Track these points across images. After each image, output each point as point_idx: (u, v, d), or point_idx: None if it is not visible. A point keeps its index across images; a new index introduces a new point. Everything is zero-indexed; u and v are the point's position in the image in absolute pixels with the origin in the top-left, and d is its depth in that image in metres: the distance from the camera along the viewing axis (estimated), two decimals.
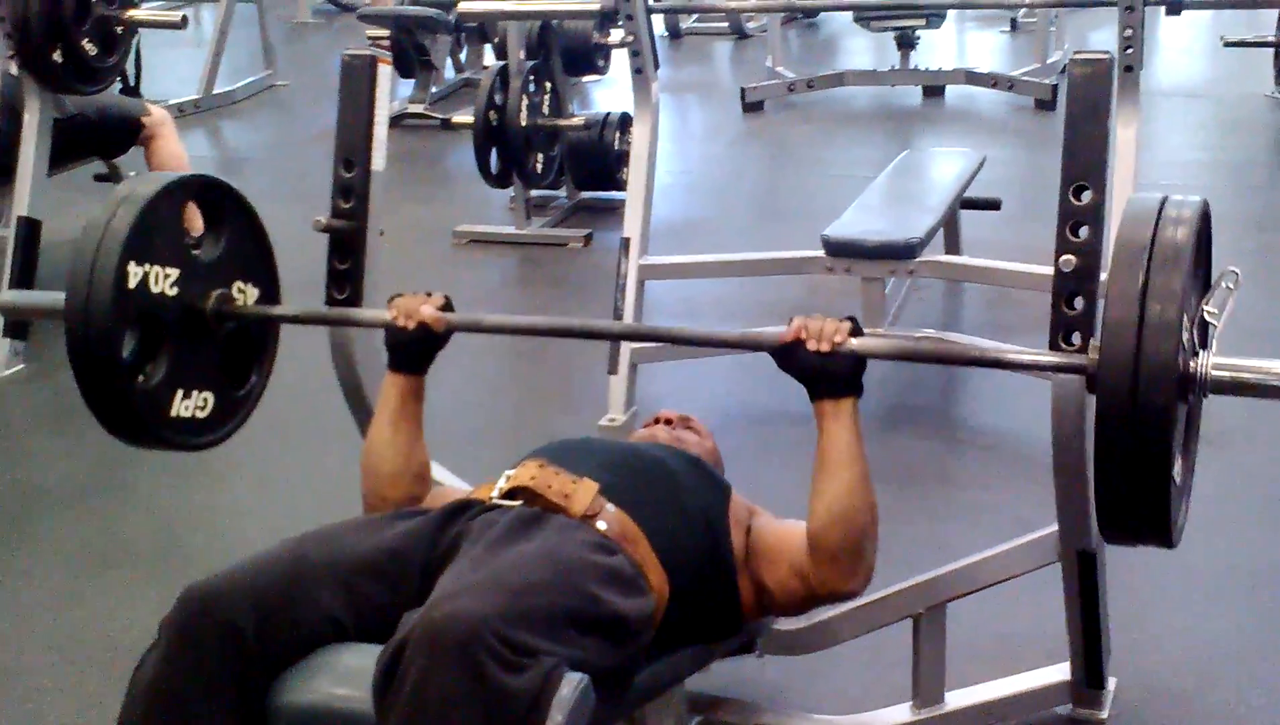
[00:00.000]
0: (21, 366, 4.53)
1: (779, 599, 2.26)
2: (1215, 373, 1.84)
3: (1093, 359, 1.90)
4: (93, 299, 2.10)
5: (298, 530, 2.08)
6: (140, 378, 2.20)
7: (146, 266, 2.16)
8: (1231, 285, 1.93)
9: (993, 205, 4.87)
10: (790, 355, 2.12)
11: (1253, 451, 3.75)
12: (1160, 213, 1.85)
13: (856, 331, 2.12)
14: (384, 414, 2.34)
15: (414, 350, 2.31)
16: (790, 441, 3.89)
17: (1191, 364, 1.84)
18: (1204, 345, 1.88)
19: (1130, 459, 1.78)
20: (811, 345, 2.10)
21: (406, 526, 2.07)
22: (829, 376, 2.12)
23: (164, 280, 2.20)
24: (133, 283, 2.14)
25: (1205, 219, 1.91)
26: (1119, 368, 1.77)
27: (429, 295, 2.32)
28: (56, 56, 4.50)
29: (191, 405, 2.27)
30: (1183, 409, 1.86)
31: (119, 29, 4.66)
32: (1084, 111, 2.10)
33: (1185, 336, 1.81)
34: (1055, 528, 2.36)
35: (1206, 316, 1.89)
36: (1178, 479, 1.88)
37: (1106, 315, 1.79)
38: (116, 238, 2.12)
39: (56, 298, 2.17)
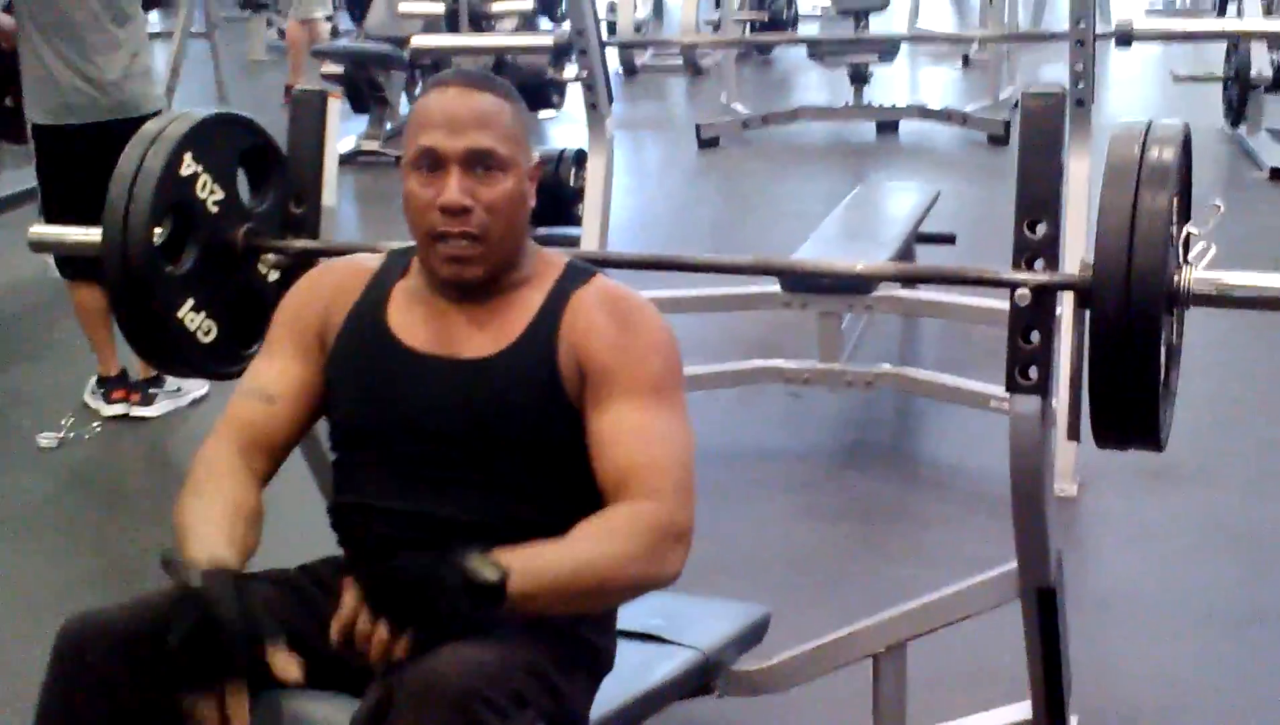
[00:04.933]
0: None
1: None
2: (1197, 286, 1.97)
3: (1084, 276, 1.97)
4: (146, 163, 2.20)
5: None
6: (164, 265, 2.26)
7: (200, 168, 2.26)
8: (1215, 212, 2.04)
9: (947, 240, 4.88)
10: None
11: (1212, 489, 3.76)
12: (1146, 135, 1.96)
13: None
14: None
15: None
16: (751, 479, 3.88)
17: (1176, 277, 1.95)
18: (1187, 261, 1.99)
19: (1122, 366, 1.89)
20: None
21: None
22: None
23: (209, 192, 2.29)
24: (185, 171, 2.24)
25: (1187, 143, 2.02)
26: (1112, 280, 1.88)
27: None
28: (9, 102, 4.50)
29: (198, 321, 2.30)
30: (1169, 320, 1.98)
31: None
32: (1037, 145, 2.10)
33: (1171, 252, 1.93)
34: (1014, 565, 2.34)
35: (1190, 233, 2.00)
36: (1165, 385, 1.97)
37: (1100, 231, 1.90)
38: (186, 123, 2.25)
39: None
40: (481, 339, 1.91)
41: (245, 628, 1.66)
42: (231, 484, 1.90)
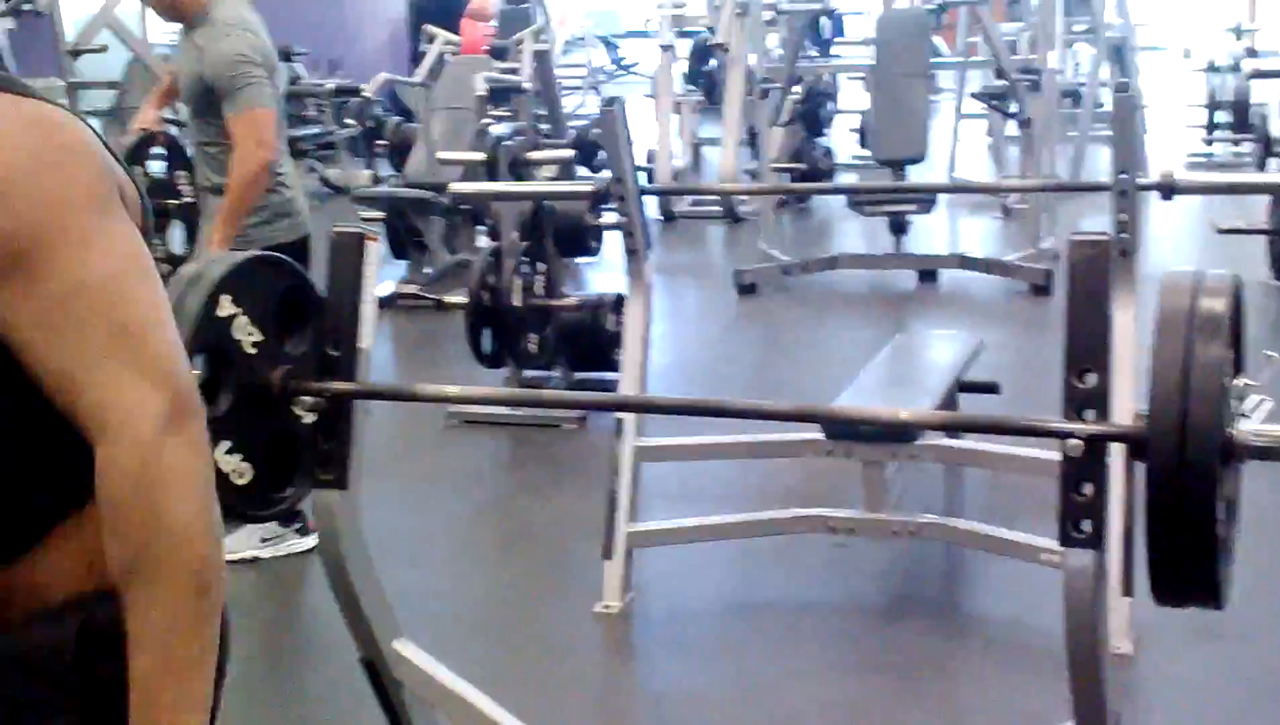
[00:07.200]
0: None
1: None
2: (1254, 439, 1.94)
3: (1139, 428, 1.94)
4: (184, 303, 2.16)
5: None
6: None
7: (238, 310, 2.22)
8: (1269, 362, 2.04)
9: (991, 389, 4.82)
10: None
11: (1274, 648, 3.64)
12: (1197, 285, 1.94)
13: None
14: None
15: None
16: (790, 630, 3.79)
17: (1232, 429, 1.93)
18: (1242, 413, 1.98)
19: (1181, 521, 1.87)
20: None
21: None
22: None
23: (247, 332, 2.25)
24: (222, 312, 2.20)
25: (1239, 293, 2.00)
26: (1168, 432, 1.86)
27: None
28: None
29: (233, 463, 2.24)
30: (1228, 473, 1.95)
31: None
32: (1086, 292, 2.07)
33: (1226, 404, 1.92)
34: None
35: (1245, 385, 1.99)
36: (1224, 541, 1.94)
37: (1154, 381, 1.89)
38: (224, 264, 2.23)
39: None
40: None
41: None
42: None
